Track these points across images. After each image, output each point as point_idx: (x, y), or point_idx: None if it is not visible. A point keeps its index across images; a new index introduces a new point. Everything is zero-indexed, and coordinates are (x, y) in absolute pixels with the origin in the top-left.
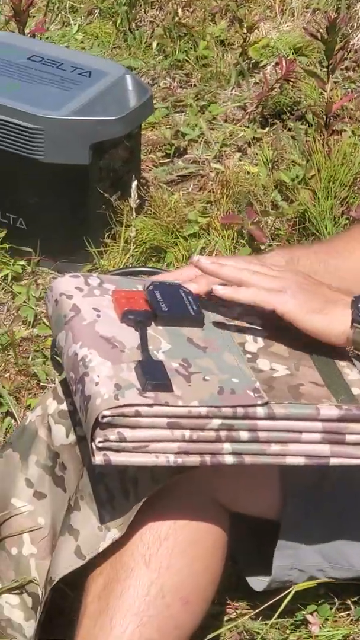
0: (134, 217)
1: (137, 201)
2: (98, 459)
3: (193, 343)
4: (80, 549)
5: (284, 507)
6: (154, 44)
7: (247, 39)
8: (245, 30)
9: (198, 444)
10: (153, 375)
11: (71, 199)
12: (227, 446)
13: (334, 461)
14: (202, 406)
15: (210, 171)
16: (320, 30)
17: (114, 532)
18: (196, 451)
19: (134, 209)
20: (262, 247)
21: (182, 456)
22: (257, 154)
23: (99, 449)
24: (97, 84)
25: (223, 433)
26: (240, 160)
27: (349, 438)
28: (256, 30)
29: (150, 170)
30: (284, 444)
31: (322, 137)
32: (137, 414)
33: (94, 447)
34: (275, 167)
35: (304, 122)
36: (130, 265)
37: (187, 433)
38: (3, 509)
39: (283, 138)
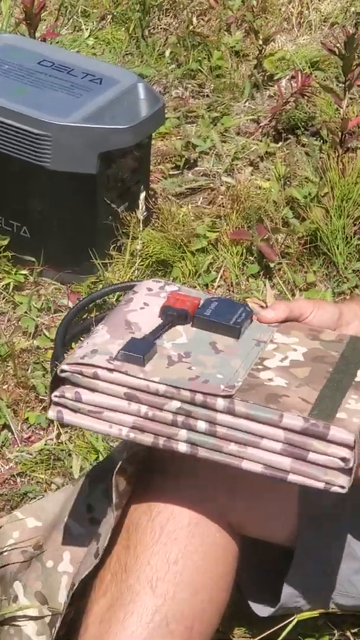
0: (141, 229)
1: (145, 213)
2: (51, 413)
3: (213, 346)
4: (98, 550)
5: (300, 534)
6: (167, 52)
7: (263, 50)
8: (261, 42)
9: (154, 424)
10: (131, 348)
11: (77, 209)
12: (182, 433)
13: (292, 478)
14: (161, 383)
15: (221, 185)
16: (338, 45)
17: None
18: (151, 430)
19: (141, 221)
20: (272, 265)
21: (136, 432)
22: (269, 169)
23: (55, 403)
24: (108, 91)
25: (180, 418)
26: (251, 175)
27: (312, 456)
28: (272, 43)
29: (159, 181)
30: (242, 445)
31: (337, 154)
32: (95, 376)
33: (51, 400)
34: (288, 183)
35: (319, 138)
36: (136, 280)
37: (143, 409)
38: (56, 526)
39: (296, 154)
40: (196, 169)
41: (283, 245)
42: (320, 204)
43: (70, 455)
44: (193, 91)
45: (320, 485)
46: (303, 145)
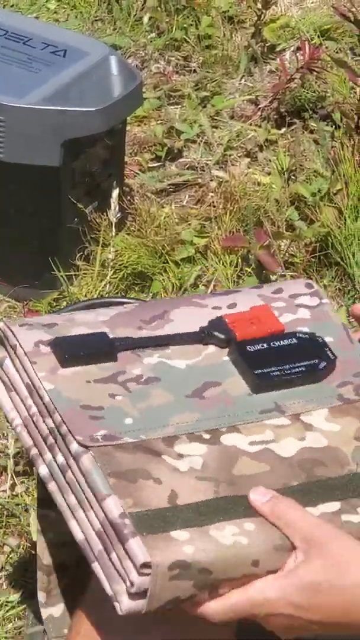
0: (114, 234)
1: (119, 214)
2: None
3: (203, 387)
4: None
5: None
6: (145, 18)
7: (262, 16)
8: (259, 6)
9: (34, 431)
10: (65, 341)
11: (36, 209)
12: (47, 455)
13: (95, 567)
14: (48, 390)
15: (211, 180)
16: (354, 9)
17: None
18: (32, 435)
19: (114, 224)
20: (273, 278)
21: (24, 429)
22: (270, 160)
23: None
24: (73, 66)
25: (51, 439)
26: (248, 168)
27: (113, 557)
28: (273, 7)
29: (135, 176)
30: (77, 503)
31: (353, 142)
32: (14, 350)
33: None
34: (293, 178)
35: (330, 123)
36: (107, 296)
37: (34, 409)
38: None
39: (303, 142)
40: (181, 160)
41: (287, 254)
42: (333, 203)
43: (27, 510)
44: (177, 65)
45: (110, 592)
46: (311, 132)
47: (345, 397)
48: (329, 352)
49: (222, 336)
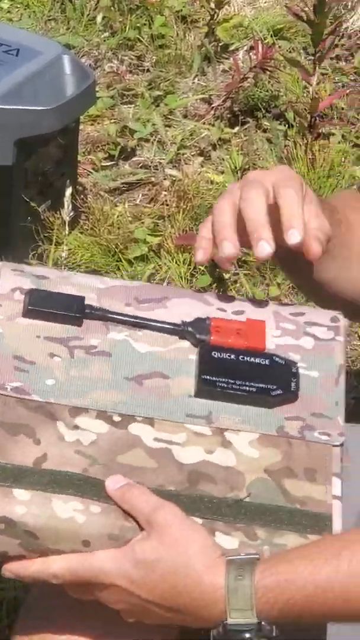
0: (67, 233)
1: (72, 213)
2: None
3: (157, 373)
4: None
5: None
6: (99, 18)
7: (215, 16)
8: (212, 5)
9: None
10: (38, 295)
11: None
12: None
13: None
14: None
15: (164, 179)
16: (306, 9)
17: None
18: None
19: (67, 223)
20: (226, 276)
21: None
22: (223, 159)
23: None
24: (26, 65)
25: None
26: (202, 167)
27: None
28: (227, 6)
29: (89, 175)
30: None
31: (305, 141)
32: None
33: None
34: None
35: (283, 122)
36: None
37: None
38: None
39: (256, 140)
40: (134, 159)
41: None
42: None
43: None
44: (131, 65)
45: None
46: (264, 131)
47: (284, 431)
48: (293, 383)
49: (196, 335)
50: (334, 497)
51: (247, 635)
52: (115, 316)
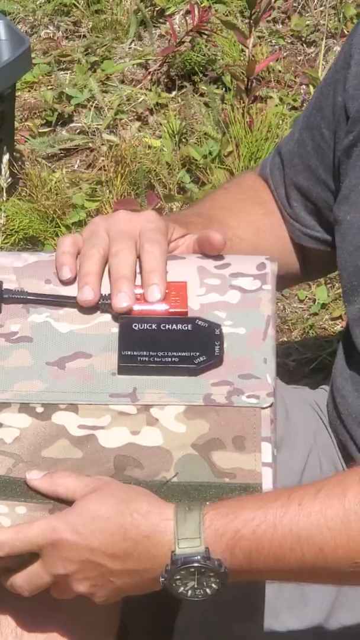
0: (4, 199)
1: (9, 180)
2: None
3: (79, 353)
4: None
5: None
6: None
7: None
8: None
9: None
10: None
11: None
12: None
13: None
14: None
15: (102, 144)
16: None
17: None
18: None
19: (4, 190)
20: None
21: None
22: (160, 124)
23: None
24: None
25: None
26: (139, 132)
27: None
28: None
29: (26, 141)
30: None
31: (243, 104)
32: None
33: None
34: (184, 140)
35: (221, 86)
36: None
37: None
38: None
39: (194, 105)
40: (71, 125)
41: None
42: (224, 165)
43: None
44: (67, 31)
45: None
46: (202, 95)
47: (211, 399)
48: (217, 347)
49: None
50: (264, 464)
51: (195, 561)
52: (34, 297)
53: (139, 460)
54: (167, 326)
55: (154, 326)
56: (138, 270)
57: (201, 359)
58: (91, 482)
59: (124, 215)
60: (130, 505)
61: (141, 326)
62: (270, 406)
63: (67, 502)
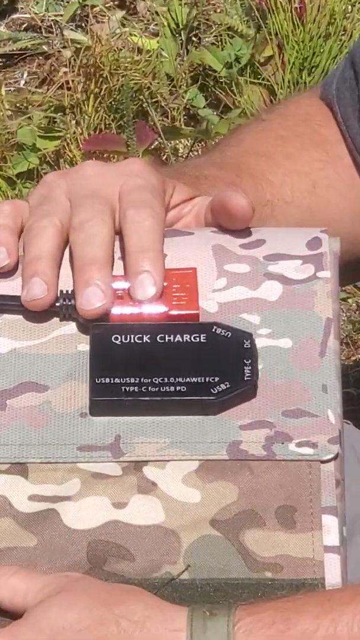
0: None
1: None
2: None
3: (27, 385)
4: None
5: None
6: None
7: None
8: None
9: None
10: None
11: None
12: None
13: None
14: None
15: (63, 47)
16: None
17: None
18: None
19: None
20: None
21: None
22: (156, 12)
23: None
24: None
25: None
26: (123, 26)
27: None
28: None
29: None
30: None
31: None
32: None
33: None
34: (194, 40)
35: None
36: None
37: None
38: None
39: None
40: (17, 16)
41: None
42: (259, 78)
43: None
44: None
45: None
46: None
47: (240, 449)
48: (247, 369)
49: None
50: (328, 548)
51: None
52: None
53: (126, 548)
54: (167, 338)
55: (146, 338)
56: (118, 253)
57: (222, 386)
58: (51, 582)
59: (92, 167)
60: (116, 609)
61: (125, 339)
62: (335, 458)
63: (14, 612)
